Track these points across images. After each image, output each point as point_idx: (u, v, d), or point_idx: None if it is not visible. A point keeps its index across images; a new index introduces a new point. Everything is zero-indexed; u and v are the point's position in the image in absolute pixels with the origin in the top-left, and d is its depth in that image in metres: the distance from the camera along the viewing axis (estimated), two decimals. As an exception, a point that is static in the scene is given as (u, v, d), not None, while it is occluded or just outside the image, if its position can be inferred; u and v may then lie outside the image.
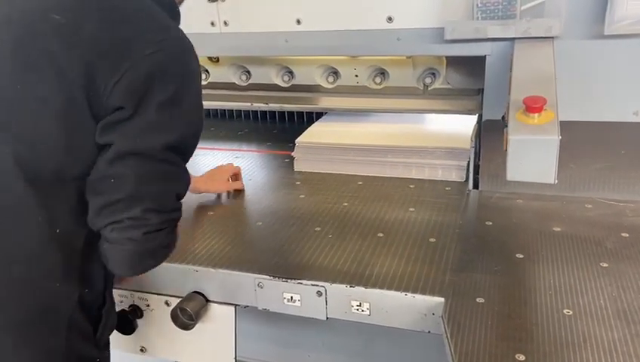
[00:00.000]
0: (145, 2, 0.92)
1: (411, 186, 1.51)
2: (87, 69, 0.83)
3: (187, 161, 0.96)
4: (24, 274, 0.88)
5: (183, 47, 0.91)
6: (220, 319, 1.20)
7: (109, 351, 1.06)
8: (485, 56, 1.36)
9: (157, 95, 0.86)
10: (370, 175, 1.58)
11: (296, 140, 1.67)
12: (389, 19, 1.41)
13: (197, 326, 1.17)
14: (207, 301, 1.18)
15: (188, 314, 1.14)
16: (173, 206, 0.93)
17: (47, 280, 0.90)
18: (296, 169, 1.65)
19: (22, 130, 0.86)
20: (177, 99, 0.88)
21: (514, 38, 1.28)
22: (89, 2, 0.88)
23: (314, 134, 1.75)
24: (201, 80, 0.97)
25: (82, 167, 0.88)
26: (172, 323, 1.17)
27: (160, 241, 0.92)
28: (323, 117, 1.90)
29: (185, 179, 0.96)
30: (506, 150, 1.04)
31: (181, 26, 0.99)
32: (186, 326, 1.17)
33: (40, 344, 0.90)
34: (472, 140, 1.47)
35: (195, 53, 0.92)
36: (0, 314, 0.87)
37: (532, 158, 1.02)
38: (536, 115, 1.03)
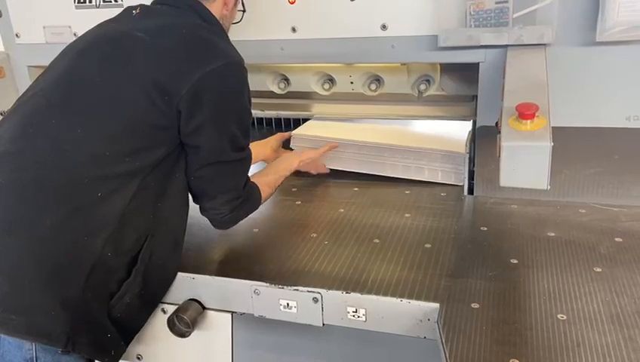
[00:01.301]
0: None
1: (407, 192, 1.52)
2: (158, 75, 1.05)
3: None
4: (54, 226, 0.97)
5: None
6: (216, 326, 1.20)
7: (124, 343, 1.07)
8: (479, 63, 1.37)
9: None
10: (367, 175, 1.60)
11: (292, 132, 1.67)
12: (383, 27, 1.43)
13: (193, 333, 1.17)
14: (204, 308, 1.18)
15: (184, 321, 1.15)
16: None
17: (77, 233, 0.98)
18: None
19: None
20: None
21: (507, 46, 1.30)
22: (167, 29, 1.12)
23: (311, 128, 1.75)
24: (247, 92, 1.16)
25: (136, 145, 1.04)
26: (169, 331, 1.17)
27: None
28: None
29: None
30: (500, 156, 1.05)
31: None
32: (182, 334, 1.17)
33: (58, 292, 0.96)
34: (466, 146, 1.48)
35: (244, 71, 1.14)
36: (31, 259, 0.96)
37: (525, 164, 1.03)
38: (528, 121, 1.04)
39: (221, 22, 1.22)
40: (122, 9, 1.63)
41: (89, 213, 1.00)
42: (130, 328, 1.09)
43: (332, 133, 1.67)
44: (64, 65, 1.13)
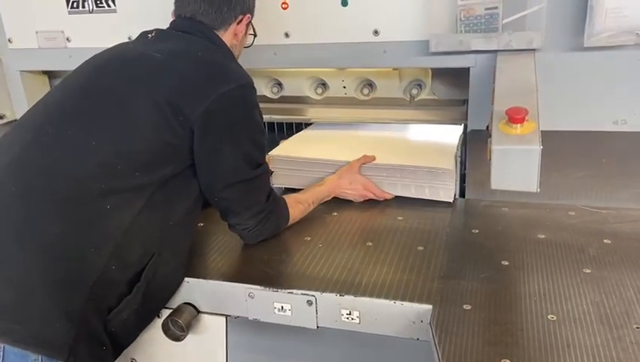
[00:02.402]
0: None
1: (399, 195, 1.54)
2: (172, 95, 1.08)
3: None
4: (62, 235, 0.98)
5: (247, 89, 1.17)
6: (210, 330, 1.20)
7: (114, 356, 1.07)
8: (469, 67, 1.39)
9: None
10: None
11: (270, 153, 1.58)
12: (375, 32, 1.44)
13: (188, 337, 1.17)
14: (198, 312, 1.18)
15: (179, 325, 1.15)
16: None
17: (84, 244, 0.99)
18: (274, 184, 1.55)
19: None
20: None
21: (497, 51, 1.32)
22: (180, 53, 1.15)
23: (288, 147, 1.68)
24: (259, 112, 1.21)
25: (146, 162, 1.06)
26: (163, 335, 1.17)
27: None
28: (311, 126, 1.90)
29: None
30: (490, 160, 1.06)
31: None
32: (177, 338, 1.17)
33: (62, 303, 0.96)
34: (455, 158, 1.48)
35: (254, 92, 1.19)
36: (38, 268, 0.96)
37: (515, 168, 1.04)
38: (518, 125, 1.06)
39: (231, 49, 1.26)
40: (115, 14, 1.66)
41: (97, 224, 1.00)
42: (121, 342, 1.09)
43: (312, 153, 1.58)
44: (80, 80, 1.15)
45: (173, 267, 1.14)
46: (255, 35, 1.37)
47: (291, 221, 1.31)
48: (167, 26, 1.26)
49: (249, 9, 1.28)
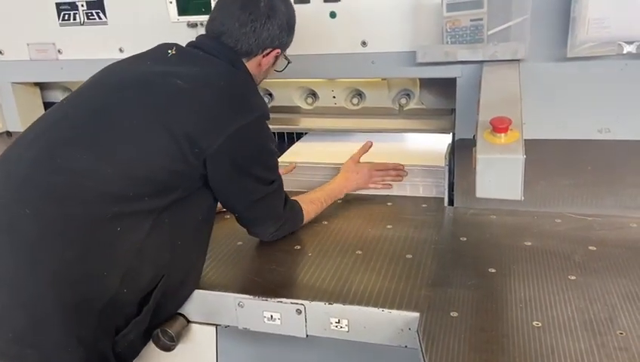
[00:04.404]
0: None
1: (389, 204, 1.55)
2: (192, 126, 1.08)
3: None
4: (76, 260, 0.97)
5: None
6: (201, 339, 1.21)
7: None
8: (456, 78, 1.41)
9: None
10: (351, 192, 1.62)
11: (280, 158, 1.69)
12: (364, 43, 1.46)
13: (178, 347, 1.17)
14: (188, 321, 1.19)
15: (169, 335, 1.15)
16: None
17: (97, 269, 0.98)
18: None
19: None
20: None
21: (482, 61, 1.34)
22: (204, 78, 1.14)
23: (295, 154, 1.78)
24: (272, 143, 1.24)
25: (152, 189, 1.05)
26: (153, 345, 1.17)
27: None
28: (303, 137, 1.93)
29: None
30: (475, 168, 1.08)
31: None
32: (167, 348, 1.17)
33: (75, 328, 0.96)
34: (446, 158, 1.51)
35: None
36: (52, 293, 0.95)
37: (499, 176, 1.06)
38: (502, 134, 1.08)
39: (253, 76, 1.25)
40: (106, 26, 1.67)
41: (108, 248, 0.99)
42: (126, 360, 1.09)
43: (315, 158, 1.69)
44: (95, 99, 1.12)
45: (180, 287, 1.14)
46: (289, 62, 1.37)
47: (306, 220, 1.38)
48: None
49: (280, 44, 1.25)
